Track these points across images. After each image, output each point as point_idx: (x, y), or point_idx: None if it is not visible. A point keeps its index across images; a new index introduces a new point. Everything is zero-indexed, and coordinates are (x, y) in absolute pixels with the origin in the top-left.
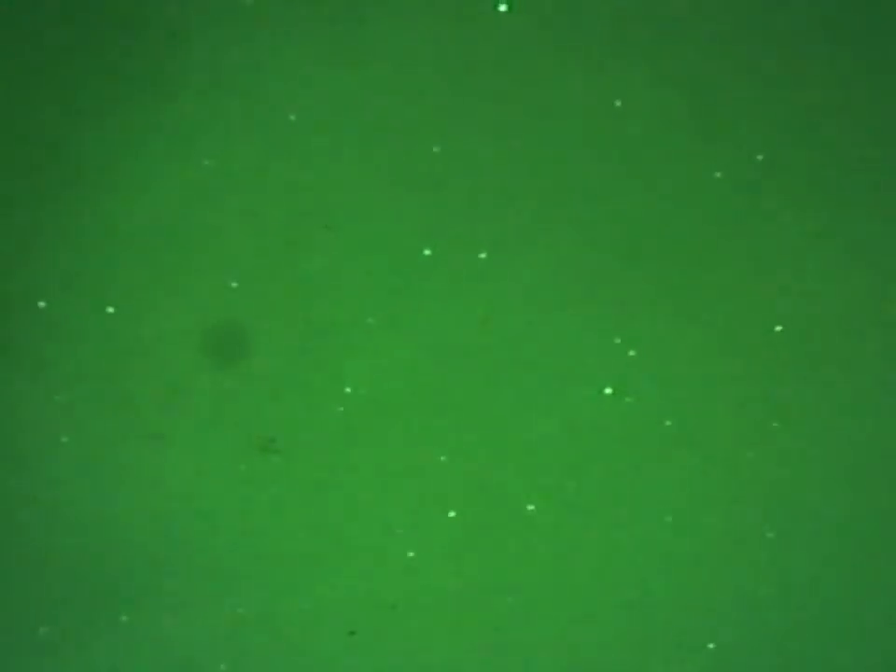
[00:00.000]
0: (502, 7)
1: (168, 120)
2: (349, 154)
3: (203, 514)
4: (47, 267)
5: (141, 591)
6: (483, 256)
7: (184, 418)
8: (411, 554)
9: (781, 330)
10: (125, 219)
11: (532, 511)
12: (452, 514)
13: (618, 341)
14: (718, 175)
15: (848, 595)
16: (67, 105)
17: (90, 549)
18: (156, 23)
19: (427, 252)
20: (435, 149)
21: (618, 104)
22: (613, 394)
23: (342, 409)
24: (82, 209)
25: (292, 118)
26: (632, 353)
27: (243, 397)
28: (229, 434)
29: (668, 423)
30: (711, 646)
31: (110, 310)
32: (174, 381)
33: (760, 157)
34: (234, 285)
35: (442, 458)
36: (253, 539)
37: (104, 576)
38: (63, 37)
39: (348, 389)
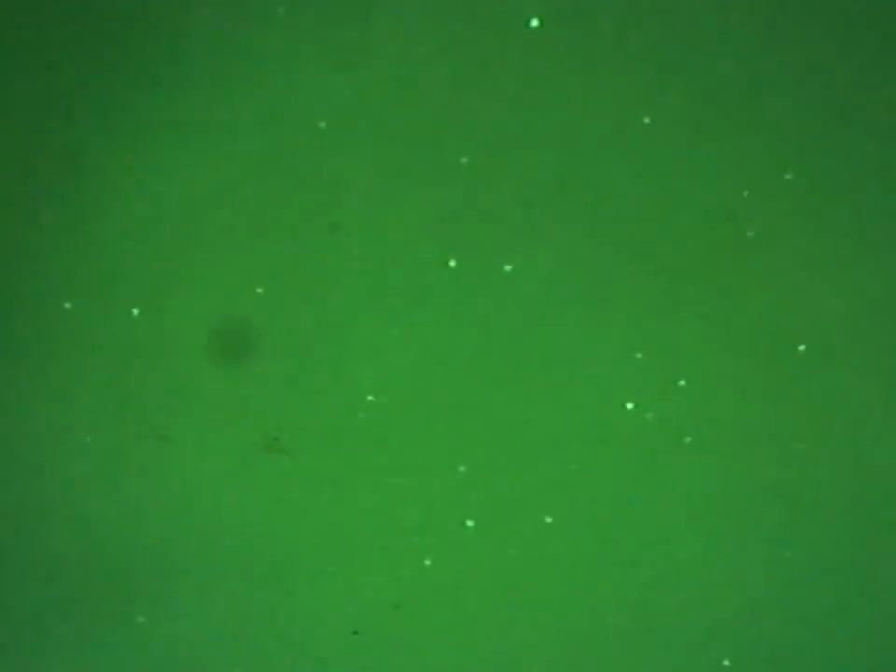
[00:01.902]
0: (534, 23)
1: (195, 124)
2: (377, 167)
3: (218, 515)
4: (72, 269)
5: (147, 591)
6: (508, 268)
7: (187, 418)
8: (427, 562)
9: (804, 350)
10: (150, 220)
11: (550, 522)
12: (470, 524)
13: (640, 356)
14: (745, 193)
15: (873, 617)
16: (95, 109)
17: (105, 549)
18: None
19: (451, 263)
20: (463, 160)
21: (647, 120)
22: (635, 409)
23: (362, 415)
24: (106, 210)
25: (322, 125)
26: (654, 369)
27: (258, 400)
28: (240, 433)
29: (688, 439)
30: (727, 662)
31: (135, 312)
32: (189, 382)
33: (788, 176)
34: (260, 290)
35: (461, 468)
36: (257, 539)
37: (113, 576)
38: (93, 41)
39: (371, 397)
